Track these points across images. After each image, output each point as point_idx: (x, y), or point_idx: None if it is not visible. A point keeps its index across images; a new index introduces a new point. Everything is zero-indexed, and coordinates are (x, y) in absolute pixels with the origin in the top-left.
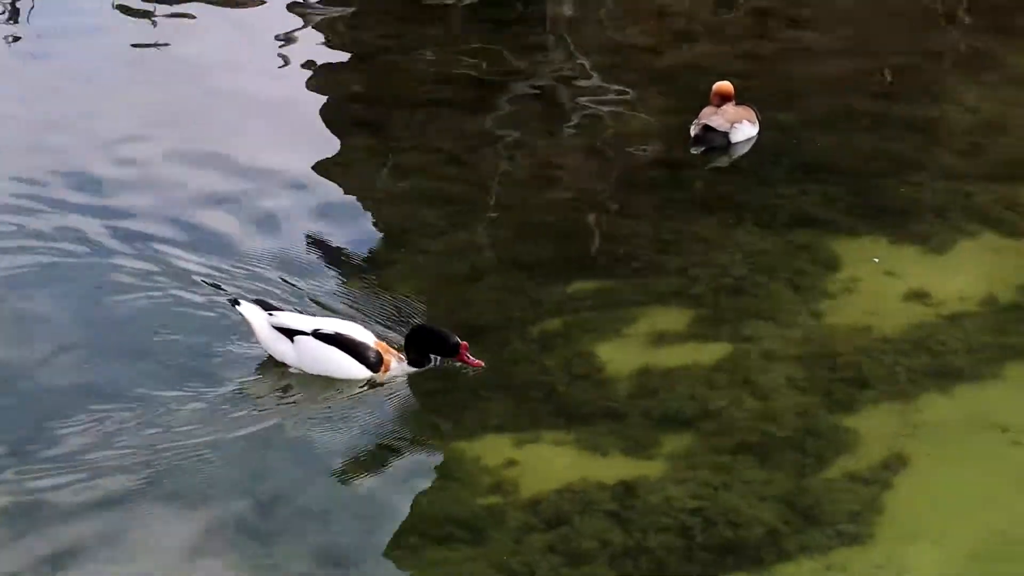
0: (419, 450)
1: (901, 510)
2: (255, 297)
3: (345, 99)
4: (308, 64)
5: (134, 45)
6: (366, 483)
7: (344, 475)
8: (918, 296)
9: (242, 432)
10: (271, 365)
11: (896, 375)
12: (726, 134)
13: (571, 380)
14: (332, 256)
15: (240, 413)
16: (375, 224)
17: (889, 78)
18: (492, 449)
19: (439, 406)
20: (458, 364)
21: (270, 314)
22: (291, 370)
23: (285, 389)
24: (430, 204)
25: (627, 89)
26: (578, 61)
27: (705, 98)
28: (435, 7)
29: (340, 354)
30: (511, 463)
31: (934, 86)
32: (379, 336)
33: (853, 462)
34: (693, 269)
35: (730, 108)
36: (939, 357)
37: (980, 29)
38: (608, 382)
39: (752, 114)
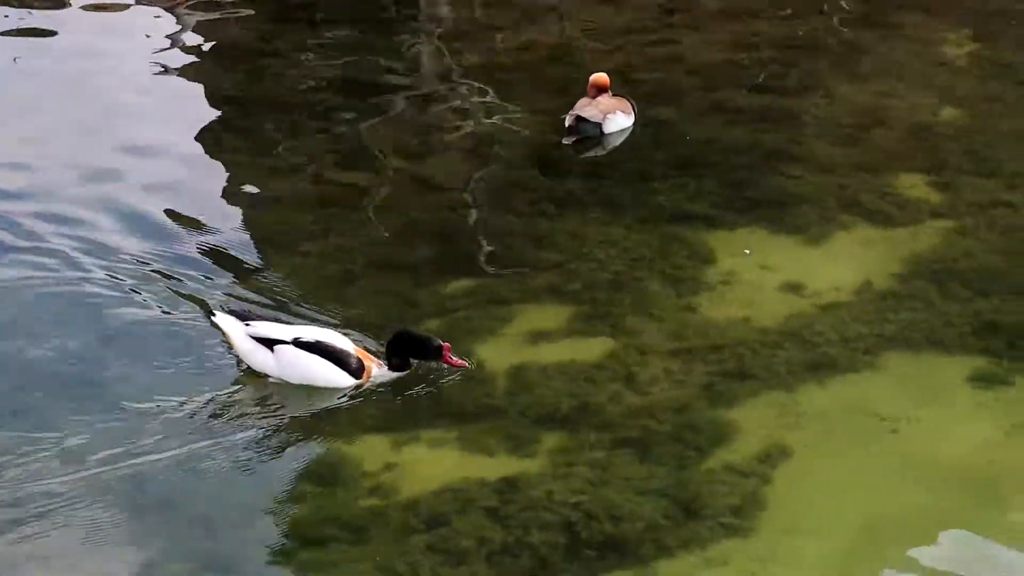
0: (299, 453)
1: (781, 501)
2: (230, 308)
3: (219, 102)
4: (180, 67)
5: None
6: (246, 488)
7: (224, 480)
8: (794, 288)
9: (128, 440)
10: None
11: (774, 366)
12: (599, 124)
13: (450, 379)
14: (210, 259)
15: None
16: (252, 228)
17: (762, 75)
18: (372, 450)
19: (319, 409)
20: (444, 367)
21: (247, 324)
22: (270, 380)
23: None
24: (306, 207)
25: (502, 87)
26: (453, 61)
27: (581, 93)
28: (307, 7)
29: (322, 362)
30: (391, 464)
31: (809, 78)
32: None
33: (733, 455)
34: (570, 265)
35: (604, 99)
36: (816, 348)
37: (854, 21)
38: (487, 380)
39: (627, 105)
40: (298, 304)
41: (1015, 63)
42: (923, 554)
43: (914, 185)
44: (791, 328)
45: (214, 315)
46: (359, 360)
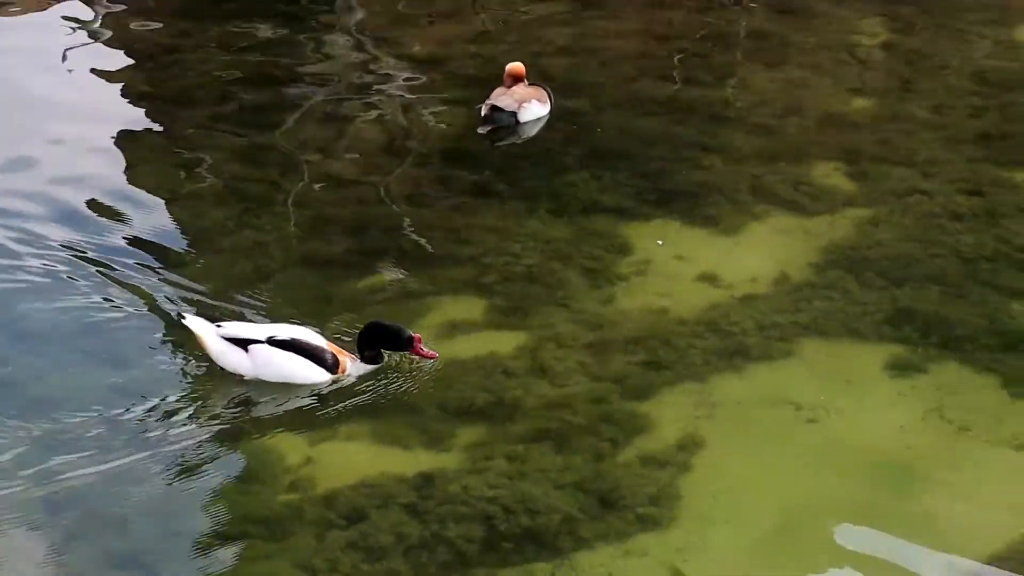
0: (217, 450)
1: (698, 491)
2: (197, 310)
3: (134, 97)
4: (95, 65)
5: None
6: (163, 485)
7: (141, 479)
8: (710, 278)
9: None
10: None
11: (690, 357)
12: (514, 113)
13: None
14: (123, 256)
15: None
16: (166, 224)
17: (676, 66)
18: (290, 446)
19: (236, 405)
20: (414, 358)
21: (218, 326)
22: (245, 379)
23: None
24: (220, 202)
25: (418, 79)
26: (368, 53)
27: (498, 84)
28: (222, 3)
29: (299, 359)
30: (309, 460)
31: (723, 68)
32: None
33: (649, 446)
34: (485, 258)
35: (520, 88)
36: (731, 338)
37: (767, 11)
38: (403, 375)
39: (543, 94)
40: (216, 300)
41: (928, 51)
42: (840, 542)
43: (828, 174)
44: (707, 319)
45: (183, 318)
46: (333, 355)
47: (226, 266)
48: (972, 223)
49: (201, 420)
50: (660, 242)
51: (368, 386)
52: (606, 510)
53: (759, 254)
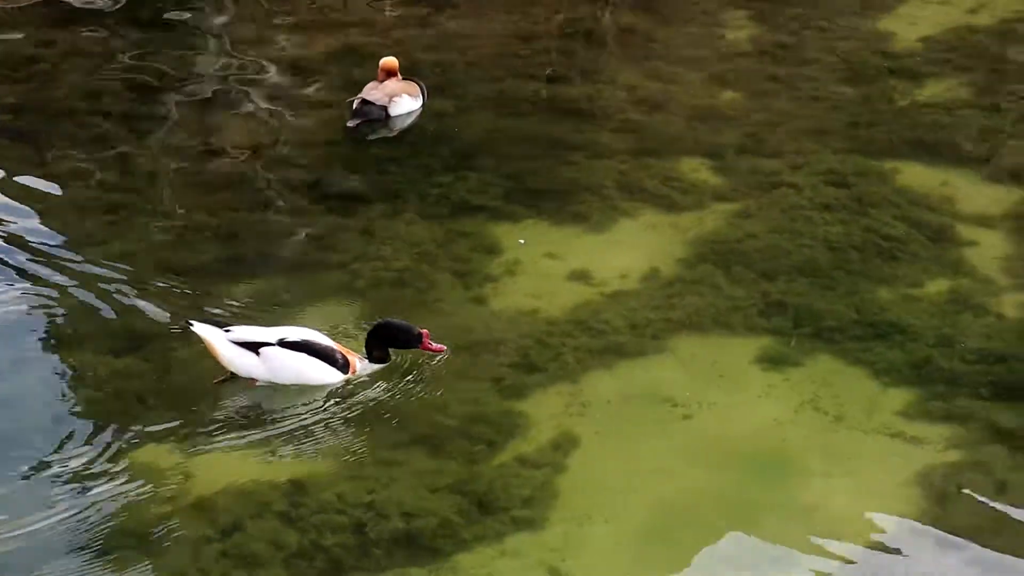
0: (88, 462)
1: (574, 491)
2: (203, 317)
3: None
4: None
5: None
6: (30, 499)
7: (7, 495)
8: (580, 276)
9: None
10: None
11: (562, 356)
12: (384, 108)
13: (237, 385)
14: None
15: None
16: (33, 236)
17: (544, 65)
18: (162, 457)
19: (107, 415)
20: (425, 353)
21: (226, 330)
22: (258, 383)
23: None
24: (88, 213)
25: (285, 83)
26: (236, 58)
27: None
28: (87, 12)
29: (312, 360)
30: (181, 470)
31: (589, 66)
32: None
33: (524, 446)
34: (355, 263)
35: (391, 83)
36: (604, 336)
37: (632, 7)
38: (273, 386)
39: (415, 88)
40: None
41: (792, 43)
42: (717, 536)
43: (696, 169)
44: (579, 317)
45: (191, 325)
46: (343, 356)
47: (95, 277)
48: (840, 214)
49: (70, 430)
50: (522, 241)
51: (237, 394)
52: (482, 512)
53: (629, 251)
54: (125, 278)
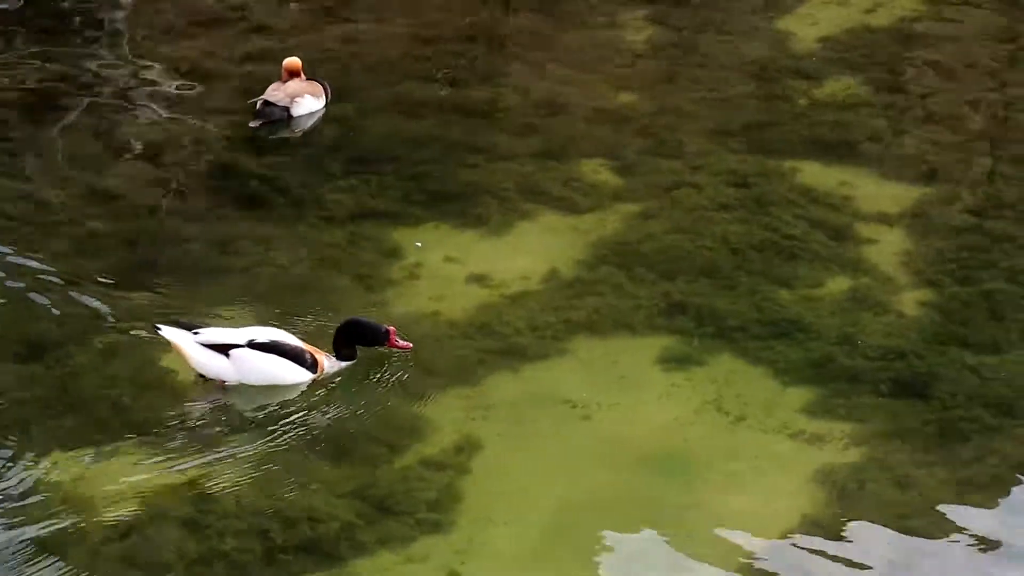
0: None
1: (477, 493)
2: (172, 319)
3: None
4: None
5: None
6: None
7: None
8: (481, 279)
9: None
10: None
11: (464, 359)
12: (286, 108)
13: (139, 391)
14: None
15: None
16: None
17: (442, 68)
18: (63, 466)
19: (9, 422)
20: (390, 350)
21: (195, 333)
22: (227, 384)
23: None
24: None
25: (185, 90)
26: (135, 65)
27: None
28: None
29: (281, 361)
30: (83, 479)
31: (488, 68)
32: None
33: (426, 450)
34: (256, 268)
35: (294, 83)
36: (505, 338)
37: (532, 10)
38: (176, 391)
39: (318, 89)
40: None
41: (692, 44)
42: (620, 537)
43: (597, 171)
44: (480, 320)
45: (159, 329)
46: (312, 355)
47: None
48: (740, 213)
49: None
50: (419, 243)
51: (136, 401)
52: (385, 516)
53: (530, 253)
54: (23, 286)
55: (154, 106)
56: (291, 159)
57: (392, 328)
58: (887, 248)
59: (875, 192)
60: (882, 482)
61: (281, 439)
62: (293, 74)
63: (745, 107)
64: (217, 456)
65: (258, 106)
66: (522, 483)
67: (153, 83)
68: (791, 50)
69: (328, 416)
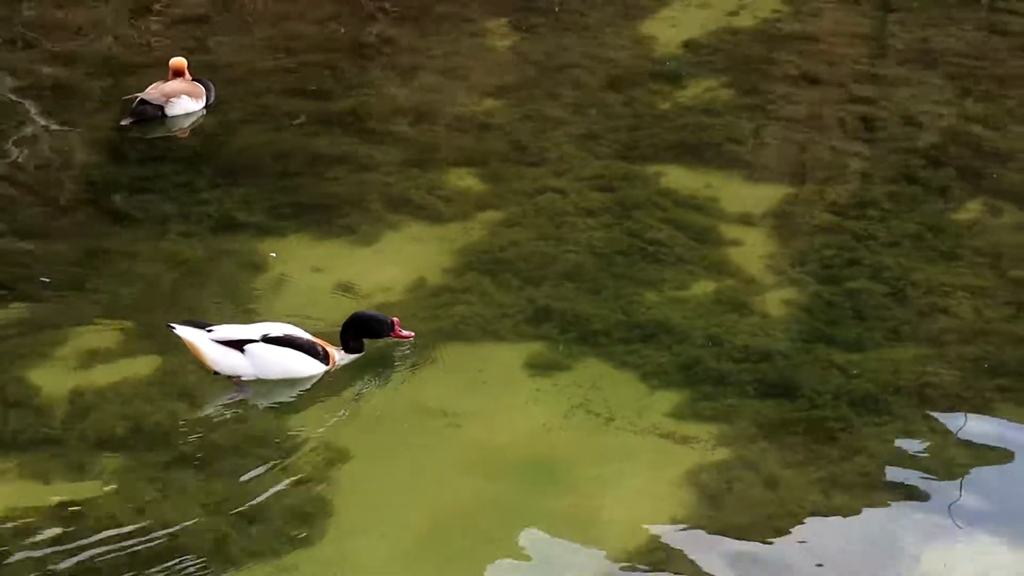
0: None
1: (346, 505)
2: (185, 319)
3: None
4: None
5: None
6: None
7: None
8: (347, 289)
9: None
10: None
11: (331, 369)
12: (161, 107)
13: (5, 409)
14: None
15: None
16: None
17: (307, 79)
18: None
19: None
20: (395, 340)
21: (208, 330)
22: (243, 379)
23: None
24: None
25: (49, 105)
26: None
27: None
28: None
29: (296, 354)
30: None
31: (353, 79)
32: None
33: (295, 462)
34: (120, 284)
35: (173, 83)
36: (372, 348)
37: (396, 19)
38: (43, 408)
39: (198, 90)
40: None
41: (555, 50)
42: (492, 544)
43: (461, 178)
44: (338, 329)
45: (173, 328)
46: (323, 348)
47: None
48: (604, 218)
49: None
50: (274, 254)
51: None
52: (255, 528)
53: (396, 262)
54: None
55: (15, 121)
56: (154, 173)
57: (396, 319)
58: (751, 249)
59: (739, 194)
60: (750, 482)
61: (146, 453)
62: (178, 73)
63: (608, 112)
64: (84, 474)
65: (134, 104)
66: (391, 493)
67: (19, 96)
68: (653, 54)
69: (193, 429)
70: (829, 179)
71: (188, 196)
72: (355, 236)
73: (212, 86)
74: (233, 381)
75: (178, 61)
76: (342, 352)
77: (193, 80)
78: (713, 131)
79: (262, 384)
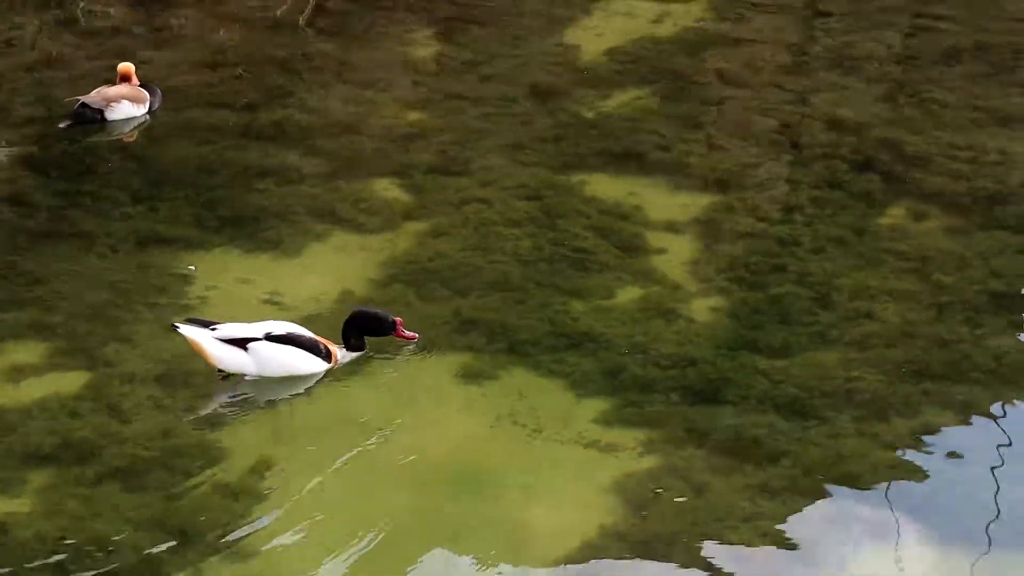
0: None
1: (276, 518)
2: (187, 317)
3: None
4: None
5: None
6: None
7: None
8: (274, 301)
9: None
10: None
11: (257, 383)
12: (101, 111)
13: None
14: None
15: None
16: None
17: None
18: None
19: None
20: (397, 341)
21: (212, 329)
22: (247, 378)
23: None
24: None
25: None
26: None
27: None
28: None
29: (299, 352)
30: None
31: (278, 91)
32: None
33: (223, 475)
34: (47, 300)
35: (117, 87)
36: None
37: (321, 31)
38: None
39: (141, 95)
40: None
41: (479, 61)
42: (421, 554)
43: (387, 189)
44: None
45: (177, 327)
46: (325, 346)
47: None
48: (530, 228)
49: None
50: (192, 267)
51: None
52: (184, 543)
53: (322, 273)
54: None
55: None
56: (79, 188)
57: (399, 319)
58: (677, 256)
59: (664, 201)
60: (678, 489)
61: (73, 468)
62: (124, 78)
63: (533, 121)
64: (10, 490)
65: (75, 107)
66: (319, 506)
67: None
68: (578, 63)
69: (120, 444)
70: (754, 185)
71: (114, 210)
72: (282, 248)
73: (159, 92)
74: (237, 379)
75: (126, 66)
76: (344, 350)
77: (140, 85)
78: (638, 139)
79: (265, 381)
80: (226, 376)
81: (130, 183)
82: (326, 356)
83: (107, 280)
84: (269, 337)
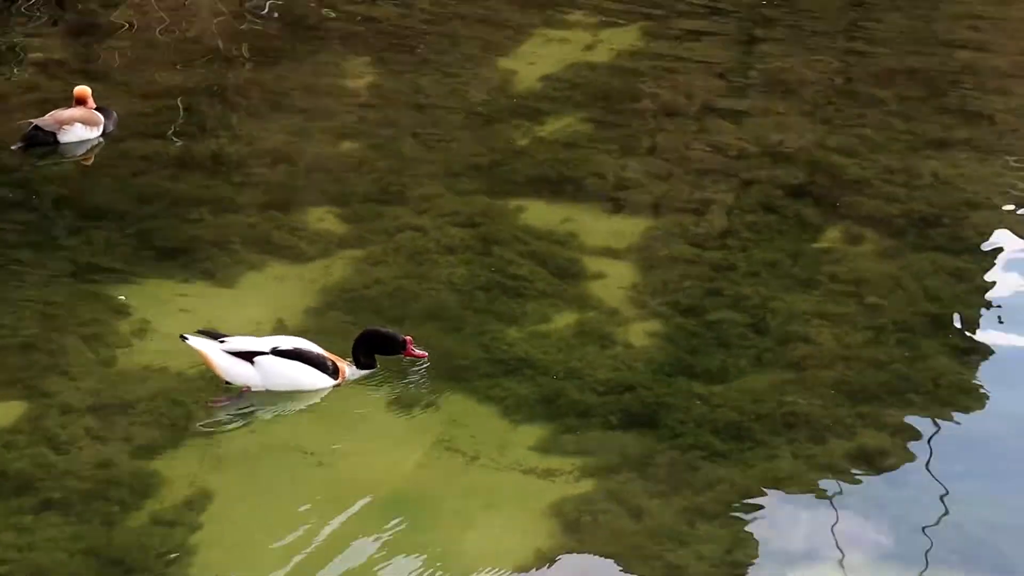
0: None
1: (212, 546)
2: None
3: None
4: None
5: None
6: None
7: None
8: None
9: None
10: None
11: (194, 412)
12: (53, 134)
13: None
14: None
15: None
16: None
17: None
18: None
19: None
20: (406, 360)
21: (220, 341)
22: (253, 390)
23: None
24: None
25: None
26: None
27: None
28: None
29: (305, 368)
30: None
31: (212, 122)
32: None
33: (158, 505)
34: None
35: (69, 110)
36: (233, 388)
37: (255, 61)
38: None
39: (95, 118)
40: None
41: (413, 89)
42: None
43: (322, 218)
44: (209, 372)
45: (186, 338)
46: (333, 362)
47: None
48: (465, 255)
49: None
50: (122, 297)
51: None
52: (122, 574)
53: (258, 303)
54: None
55: None
56: (11, 218)
57: (409, 338)
58: (613, 282)
59: (600, 227)
60: (615, 514)
61: (9, 499)
62: (79, 101)
63: (468, 149)
64: None
65: (28, 130)
66: (257, 534)
67: None
68: (513, 90)
69: (55, 475)
70: (689, 211)
71: (48, 240)
72: (218, 278)
73: (114, 115)
74: (243, 391)
75: (81, 89)
76: (353, 368)
77: (96, 108)
78: (573, 165)
79: (270, 395)
80: (229, 387)
81: (66, 213)
82: (333, 372)
83: (41, 311)
84: (276, 352)
